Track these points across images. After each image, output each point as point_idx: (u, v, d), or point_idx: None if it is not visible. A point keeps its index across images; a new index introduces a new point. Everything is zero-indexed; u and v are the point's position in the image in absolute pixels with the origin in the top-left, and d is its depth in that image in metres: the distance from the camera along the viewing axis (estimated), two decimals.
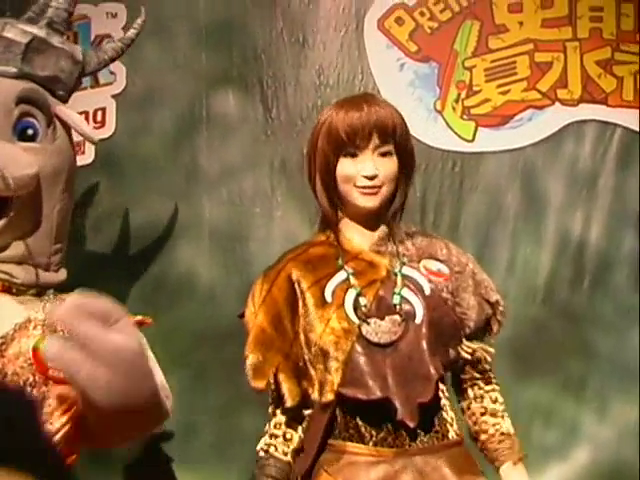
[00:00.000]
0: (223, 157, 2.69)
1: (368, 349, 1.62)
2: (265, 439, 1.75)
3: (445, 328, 1.68)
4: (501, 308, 1.76)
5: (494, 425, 1.75)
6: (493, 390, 1.80)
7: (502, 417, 1.78)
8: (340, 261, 1.72)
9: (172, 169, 2.70)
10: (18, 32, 1.81)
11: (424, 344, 1.63)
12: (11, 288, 1.82)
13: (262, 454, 1.74)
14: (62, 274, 1.96)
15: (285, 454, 1.72)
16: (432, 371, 1.61)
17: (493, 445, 1.74)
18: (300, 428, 1.73)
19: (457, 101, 2.60)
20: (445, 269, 1.73)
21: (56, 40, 1.88)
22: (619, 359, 2.51)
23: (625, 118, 2.56)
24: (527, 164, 2.60)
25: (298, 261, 1.75)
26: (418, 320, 1.64)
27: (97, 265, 2.69)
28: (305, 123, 2.64)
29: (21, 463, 0.77)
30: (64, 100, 1.97)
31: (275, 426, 1.74)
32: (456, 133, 2.60)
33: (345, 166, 1.69)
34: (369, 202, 1.70)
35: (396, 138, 1.68)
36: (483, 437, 1.76)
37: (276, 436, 1.73)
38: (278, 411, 1.74)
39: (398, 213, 1.76)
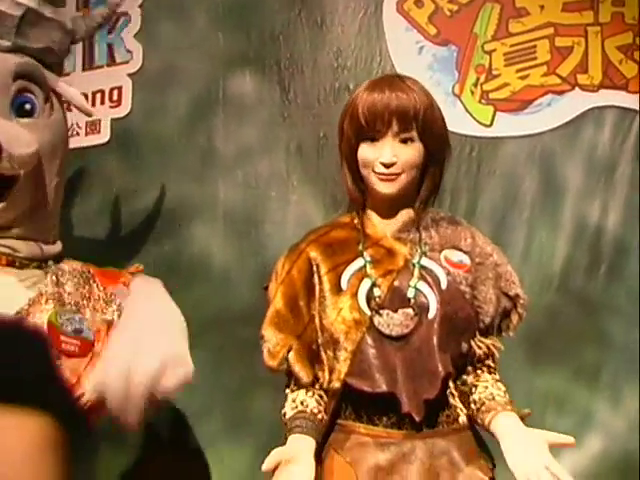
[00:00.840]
0: (239, 139, 2.69)
1: (379, 341, 1.63)
2: (287, 408, 1.74)
3: (459, 322, 1.67)
4: (522, 301, 1.74)
5: (487, 392, 1.72)
6: (495, 380, 1.76)
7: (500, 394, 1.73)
8: (361, 247, 1.71)
9: (188, 150, 2.70)
10: (10, 4, 1.80)
11: (435, 340, 1.63)
12: (14, 262, 1.84)
13: (290, 413, 1.70)
14: (58, 245, 2.01)
15: (317, 412, 1.70)
16: (440, 368, 1.61)
17: (485, 402, 1.68)
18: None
19: (476, 85, 2.58)
20: (467, 260, 1.72)
21: (47, 11, 1.87)
22: (634, 348, 2.48)
23: None
24: (545, 150, 2.57)
25: (319, 243, 1.75)
26: (431, 315, 1.64)
27: (111, 245, 2.71)
28: (322, 106, 2.64)
29: (32, 398, 0.77)
30: (57, 70, 1.97)
31: (294, 400, 1.73)
32: (474, 117, 2.58)
33: (364, 151, 1.69)
34: (387, 188, 1.69)
35: (419, 124, 1.66)
36: (474, 406, 1.70)
37: (306, 400, 1.72)
38: (292, 390, 1.75)
39: (427, 199, 1.75)
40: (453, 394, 1.70)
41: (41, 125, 1.86)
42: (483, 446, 1.73)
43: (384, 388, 1.61)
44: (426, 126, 1.67)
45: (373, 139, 1.67)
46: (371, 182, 1.70)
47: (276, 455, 1.56)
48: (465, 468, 1.64)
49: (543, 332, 2.50)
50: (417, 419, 1.60)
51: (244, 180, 2.68)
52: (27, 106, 1.84)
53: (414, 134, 1.67)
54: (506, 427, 1.60)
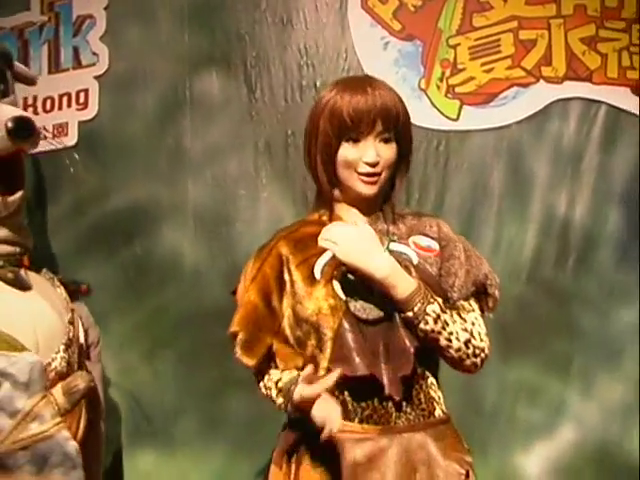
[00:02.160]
0: (207, 138, 2.70)
1: (356, 326, 1.64)
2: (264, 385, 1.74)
3: None
4: (489, 282, 1.74)
5: None
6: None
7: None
8: None
9: (156, 150, 2.71)
10: None
11: (397, 317, 1.64)
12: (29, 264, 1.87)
13: (286, 378, 1.70)
14: None
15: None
16: (407, 344, 1.62)
17: None
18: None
19: (441, 80, 2.60)
20: (435, 245, 1.74)
21: None
22: (604, 337, 2.52)
23: (609, 95, 2.55)
24: (512, 142, 2.60)
25: (289, 239, 1.77)
26: None
27: (80, 248, 2.71)
28: (289, 103, 2.66)
29: None
30: None
31: (280, 380, 1.72)
32: (441, 112, 2.60)
33: (347, 151, 1.70)
34: (368, 190, 1.71)
35: (398, 125, 1.69)
36: None
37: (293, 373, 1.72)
38: (270, 376, 1.75)
39: (390, 194, 1.77)
40: (429, 385, 1.70)
41: (16, 104, 1.87)
42: (460, 439, 1.73)
43: (364, 371, 1.62)
44: (403, 126, 1.71)
45: (356, 140, 1.69)
46: (352, 183, 1.72)
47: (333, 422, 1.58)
48: (442, 461, 1.65)
49: (513, 323, 2.52)
50: (396, 399, 1.61)
51: (213, 179, 2.69)
52: (1, 86, 1.85)
53: (392, 134, 1.70)
54: None
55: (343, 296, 1.66)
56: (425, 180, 2.58)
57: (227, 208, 2.68)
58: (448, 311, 1.65)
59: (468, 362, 1.66)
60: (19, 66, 2.01)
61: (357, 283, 1.66)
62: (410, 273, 1.65)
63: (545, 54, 2.58)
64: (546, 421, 2.53)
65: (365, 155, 1.67)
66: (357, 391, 1.64)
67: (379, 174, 1.69)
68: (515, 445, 2.53)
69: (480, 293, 1.74)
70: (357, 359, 1.61)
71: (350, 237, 1.62)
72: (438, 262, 1.71)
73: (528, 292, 2.56)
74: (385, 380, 1.61)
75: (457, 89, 2.60)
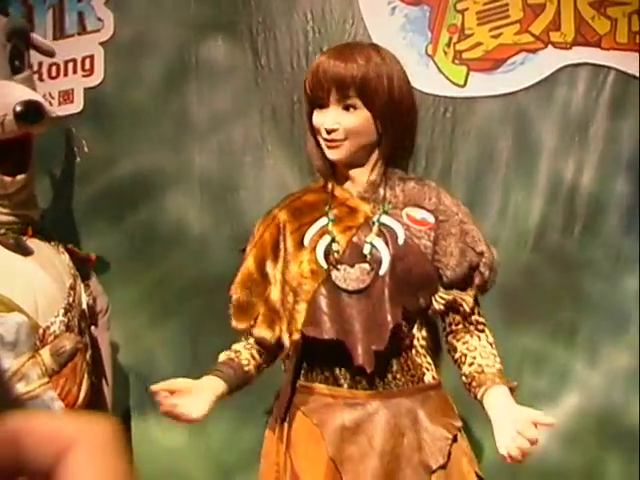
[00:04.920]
0: (213, 106, 2.72)
1: (333, 292, 1.68)
2: (227, 352, 1.82)
3: (413, 277, 1.70)
4: (484, 260, 1.75)
5: (475, 359, 1.75)
6: (483, 346, 1.78)
7: (488, 356, 1.76)
8: (327, 207, 1.77)
9: (161, 118, 2.74)
10: None
11: (386, 293, 1.67)
12: (35, 232, 1.87)
13: (221, 358, 1.80)
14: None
15: (246, 364, 1.77)
16: (388, 319, 1.65)
17: (475, 375, 1.72)
18: (265, 361, 1.80)
19: (449, 45, 2.59)
20: (430, 218, 1.75)
21: None
22: (610, 305, 2.51)
23: (618, 61, 2.53)
24: (519, 109, 2.58)
25: (290, 207, 1.82)
26: (383, 270, 1.69)
27: (86, 215, 2.75)
28: (295, 70, 2.66)
29: None
30: None
31: (244, 346, 1.80)
32: (448, 78, 2.59)
33: (315, 117, 1.76)
34: (333, 155, 1.74)
35: (358, 92, 1.69)
36: (465, 380, 1.75)
37: (241, 350, 1.80)
38: (249, 339, 1.81)
39: (386, 162, 1.78)
40: (418, 352, 1.73)
41: (31, 79, 1.89)
42: (449, 404, 1.76)
43: (333, 335, 1.65)
44: (366, 94, 1.70)
45: (321, 106, 1.73)
46: (323, 148, 1.76)
47: (171, 383, 1.65)
48: (430, 426, 1.68)
49: (519, 291, 2.53)
50: (368, 371, 1.64)
51: (219, 146, 2.71)
52: (17, 62, 1.87)
53: (357, 101, 1.71)
54: (495, 403, 1.66)
55: (324, 264, 1.70)
56: (432, 147, 2.58)
57: (233, 175, 2.70)
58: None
59: None
60: (37, 38, 2.05)
61: (340, 253, 1.69)
62: (394, 249, 1.68)
63: (554, 19, 2.55)
64: (551, 388, 2.52)
65: (324, 122, 1.71)
66: (345, 359, 1.67)
67: (341, 140, 1.71)
68: None
69: (473, 269, 1.75)
70: (328, 323, 1.65)
71: None
72: (431, 235, 1.73)
73: (534, 260, 2.56)
74: (359, 350, 1.64)
75: (464, 55, 2.59)
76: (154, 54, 2.73)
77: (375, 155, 1.77)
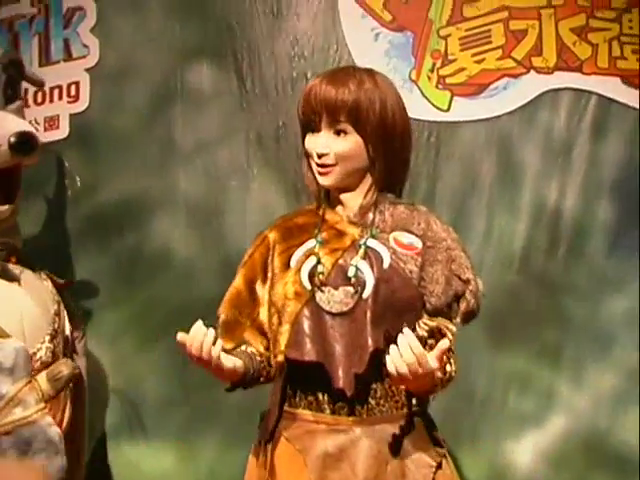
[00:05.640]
0: (198, 130, 2.73)
1: (316, 314, 1.67)
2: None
3: (397, 301, 1.69)
4: (471, 287, 1.75)
5: None
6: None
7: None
8: (316, 230, 1.77)
9: (147, 143, 2.75)
10: None
11: (368, 315, 1.66)
12: (19, 259, 1.89)
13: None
14: None
15: (258, 354, 1.74)
16: (369, 342, 1.63)
17: None
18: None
19: (432, 70, 2.61)
20: (418, 243, 1.74)
21: None
22: (594, 327, 2.54)
23: (600, 85, 2.56)
24: (503, 133, 2.61)
25: (281, 227, 1.82)
26: (367, 293, 1.68)
27: (73, 240, 2.74)
28: (279, 95, 2.68)
29: None
30: None
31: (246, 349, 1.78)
32: (431, 103, 2.61)
33: (307, 141, 1.76)
34: (324, 180, 1.75)
35: (348, 117, 1.70)
36: None
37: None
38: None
39: (377, 187, 1.78)
40: None
41: (22, 109, 1.90)
42: (434, 431, 1.75)
43: (313, 357, 1.64)
44: (357, 119, 1.70)
45: (313, 130, 1.74)
46: (314, 173, 1.77)
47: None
48: (414, 453, 1.67)
49: (504, 313, 2.55)
50: (348, 394, 1.63)
51: (204, 170, 2.72)
52: (9, 92, 1.88)
53: (347, 126, 1.71)
54: None
55: (308, 285, 1.69)
56: (416, 171, 2.55)
57: (218, 199, 2.70)
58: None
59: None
60: (29, 70, 2.05)
61: (325, 275, 1.69)
62: (379, 273, 1.68)
63: (536, 44, 2.59)
64: (537, 410, 2.55)
65: (315, 146, 1.72)
66: (325, 384, 1.66)
67: (331, 165, 1.71)
68: (506, 434, 2.56)
69: (459, 297, 1.75)
70: (309, 345, 1.64)
71: None
72: (418, 260, 1.72)
73: (519, 282, 2.58)
74: (340, 373, 1.63)
75: (448, 80, 2.61)
76: (140, 79, 2.74)
77: (367, 180, 1.77)
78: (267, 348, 1.75)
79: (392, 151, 1.76)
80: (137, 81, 2.74)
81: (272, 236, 1.80)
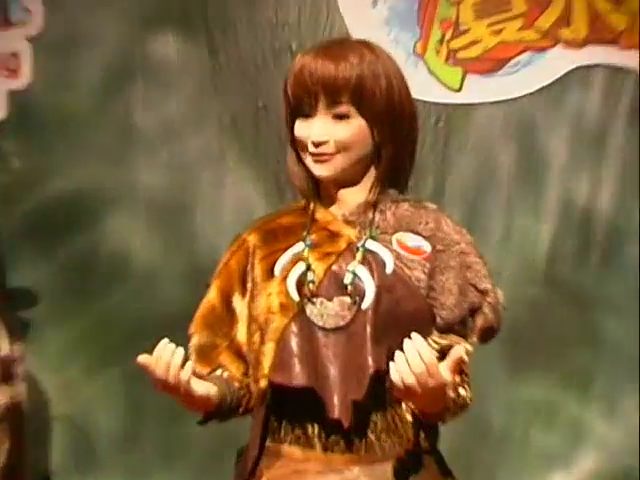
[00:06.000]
0: (163, 112, 2.68)
1: (306, 330, 1.56)
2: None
3: (402, 314, 1.58)
4: (489, 299, 1.63)
5: None
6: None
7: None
8: (305, 232, 1.66)
9: (102, 127, 2.70)
10: None
11: (368, 330, 1.55)
12: None
13: None
14: None
15: (235, 380, 1.63)
16: (369, 362, 1.53)
17: None
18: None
19: (441, 43, 2.58)
20: (426, 246, 1.63)
21: None
22: (631, 349, 2.52)
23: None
24: (524, 118, 2.58)
25: (262, 229, 1.71)
26: (366, 303, 1.57)
27: (11, 243, 2.69)
28: (260, 71, 2.64)
29: None
30: None
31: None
32: (440, 81, 2.59)
33: (298, 129, 1.64)
34: (321, 171, 1.63)
35: (352, 97, 1.59)
36: None
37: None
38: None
39: (382, 180, 1.66)
40: (409, 406, 1.57)
41: None
42: (446, 471, 1.62)
43: (303, 382, 1.52)
44: (362, 99, 1.60)
45: (307, 115, 1.62)
46: (308, 164, 1.65)
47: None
48: None
49: (526, 332, 2.52)
50: (345, 426, 1.52)
51: (170, 161, 2.68)
52: None
53: (350, 108, 1.60)
54: None
55: (296, 296, 1.57)
56: (422, 163, 2.41)
57: (186, 196, 2.67)
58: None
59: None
60: None
61: (316, 284, 1.59)
62: (381, 280, 1.57)
63: (563, 13, 2.55)
64: (563, 447, 2.54)
65: (311, 134, 1.60)
66: (316, 413, 1.54)
67: (331, 154, 1.61)
68: (528, 475, 2.55)
69: (474, 311, 1.65)
70: (297, 367, 1.54)
71: None
72: (426, 267, 1.61)
73: (543, 295, 2.57)
74: (336, 400, 1.52)
75: (459, 54, 2.58)
76: (93, 52, 2.68)
77: (371, 172, 1.66)
78: (246, 373, 1.63)
79: (400, 136, 1.65)
80: (90, 54, 2.68)
81: (252, 240, 1.68)
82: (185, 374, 1.47)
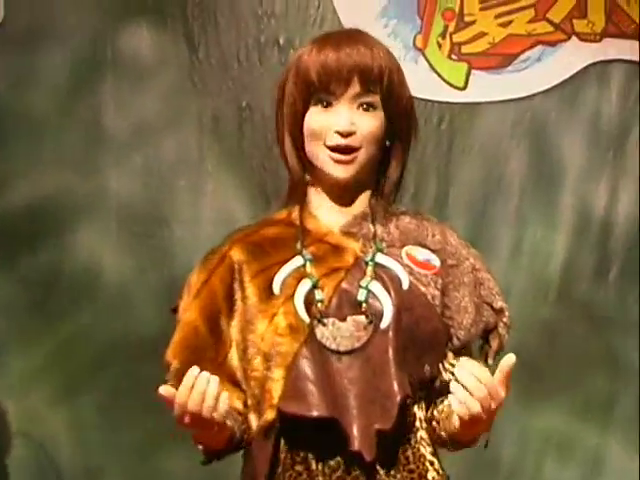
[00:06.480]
0: (135, 113, 2.65)
1: (320, 355, 1.50)
2: None
3: (421, 335, 1.53)
4: (505, 319, 1.60)
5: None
6: None
7: None
8: (299, 244, 1.59)
9: (67, 129, 2.64)
10: None
11: (390, 353, 1.49)
12: None
13: None
14: None
15: (236, 412, 1.57)
16: (395, 388, 1.47)
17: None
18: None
19: (444, 36, 2.56)
20: (436, 260, 1.58)
21: None
22: None
23: None
24: (535, 118, 2.56)
25: (245, 243, 1.63)
26: (385, 323, 1.51)
27: None
28: (243, 66, 2.60)
29: None
30: None
31: None
32: (443, 78, 2.56)
33: (314, 117, 1.56)
34: (341, 172, 1.55)
35: (384, 87, 1.55)
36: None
37: None
38: None
39: (390, 188, 1.65)
40: (422, 438, 1.55)
41: None
42: None
43: (324, 412, 1.45)
44: (392, 90, 1.56)
45: (327, 103, 1.55)
46: (320, 161, 1.56)
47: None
48: None
49: (539, 355, 2.50)
50: (368, 459, 1.45)
51: (144, 166, 2.64)
52: None
53: (377, 99, 1.55)
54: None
55: (307, 318, 1.50)
56: (423, 168, 2.53)
57: (162, 204, 2.64)
58: None
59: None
60: None
61: (326, 302, 1.53)
62: (398, 297, 1.53)
63: (578, 3, 2.54)
64: None
65: (337, 122, 1.53)
66: (322, 446, 1.48)
67: (356, 150, 1.54)
68: None
69: (489, 331, 1.62)
70: (315, 396, 1.47)
71: None
72: (438, 282, 1.57)
73: (558, 315, 2.55)
74: (355, 431, 1.45)
75: (464, 48, 2.57)
76: (57, 45, 2.62)
77: (372, 177, 1.61)
78: (245, 403, 1.56)
79: (409, 138, 1.62)
80: (54, 47, 2.62)
81: (235, 255, 1.60)
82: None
